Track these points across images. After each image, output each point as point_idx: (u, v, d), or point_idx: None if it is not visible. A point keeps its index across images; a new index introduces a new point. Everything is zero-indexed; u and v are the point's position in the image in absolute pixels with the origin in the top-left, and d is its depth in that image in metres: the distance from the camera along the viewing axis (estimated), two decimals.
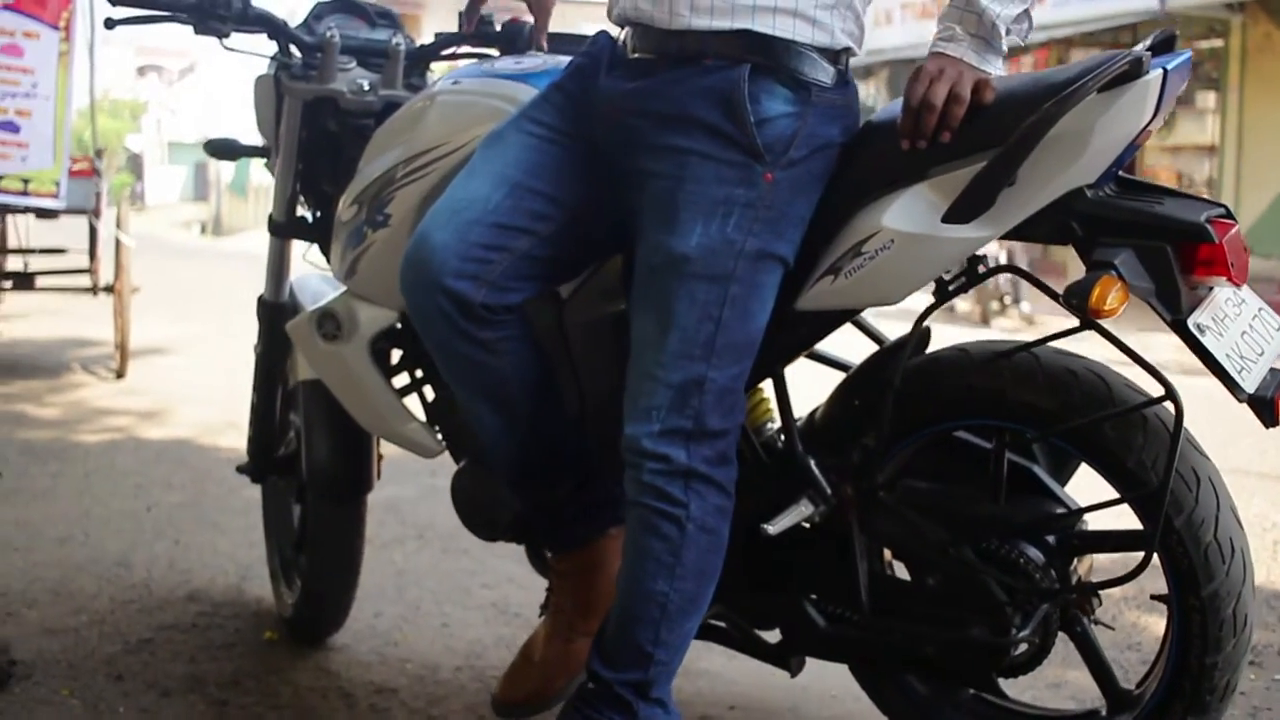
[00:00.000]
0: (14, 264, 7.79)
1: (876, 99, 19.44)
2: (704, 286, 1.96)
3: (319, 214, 2.88)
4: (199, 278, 15.07)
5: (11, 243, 7.80)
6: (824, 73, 2.00)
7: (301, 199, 2.89)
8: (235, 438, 5.31)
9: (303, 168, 2.82)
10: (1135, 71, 1.87)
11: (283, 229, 2.90)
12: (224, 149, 2.97)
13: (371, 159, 2.53)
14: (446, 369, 2.20)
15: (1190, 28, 16.35)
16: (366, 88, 2.68)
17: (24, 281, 7.70)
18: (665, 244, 1.98)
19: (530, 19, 2.67)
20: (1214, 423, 3.76)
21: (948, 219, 1.94)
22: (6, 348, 8.45)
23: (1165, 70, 1.89)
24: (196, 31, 2.58)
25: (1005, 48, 2.00)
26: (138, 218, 49.30)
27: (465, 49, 2.81)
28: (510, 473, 2.30)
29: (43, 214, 7.21)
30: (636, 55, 2.07)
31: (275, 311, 2.95)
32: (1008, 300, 13.39)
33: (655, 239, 2.00)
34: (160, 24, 2.62)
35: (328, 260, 2.78)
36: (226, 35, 2.60)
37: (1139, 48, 1.96)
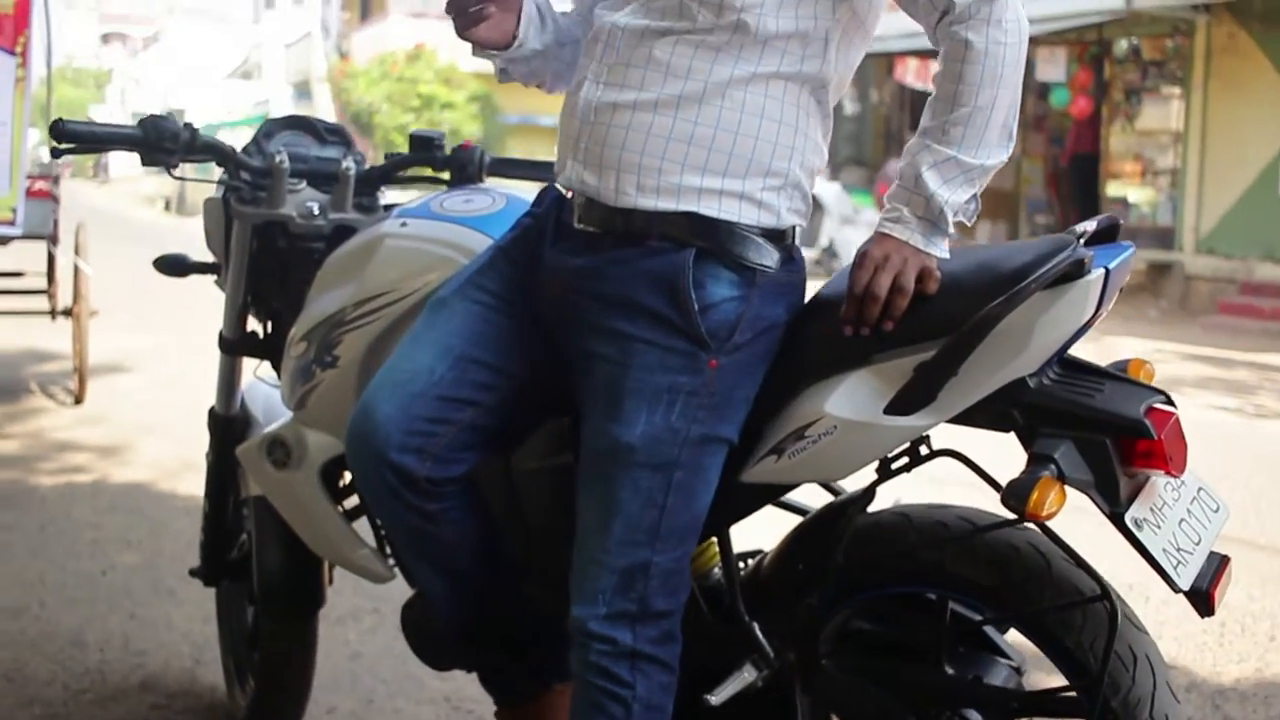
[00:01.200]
0: None
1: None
2: (648, 475, 1.97)
3: (269, 329, 2.87)
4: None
5: None
6: (769, 256, 2.01)
7: (252, 312, 2.88)
8: (192, 482, 5.30)
9: (252, 286, 2.81)
10: (1078, 272, 1.88)
11: (233, 346, 2.89)
12: (173, 265, 2.96)
13: (320, 293, 2.53)
14: (392, 536, 2.21)
15: (1156, 26, 16.43)
16: (316, 211, 2.68)
17: None
18: (609, 431, 1.98)
19: (480, 146, 2.68)
20: None
21: (890, 410, 1.96)
22: None
23: (1107, 269, 1.91)
24: (144, 163, 2.56)
25: (951, 229, 2.01)
26: (100, 190, 49.01)
27: (414, 172, 2.80)
28: (456, 632, 2.31)
29: None
30: (582, 226, 2.07)
31: (226, 425, 2.95)
32: None
33: (599, 424, 2.00)
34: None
35: (278, 375, 2.78)
36: (175, 165, 2.59)
37: (1081, 229, 1.98)
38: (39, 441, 6.47)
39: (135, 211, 37.91)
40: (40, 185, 7.31)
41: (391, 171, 2.77)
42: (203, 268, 2.97)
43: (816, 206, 17.05)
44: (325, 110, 30.90)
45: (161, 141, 2.53)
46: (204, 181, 2.82)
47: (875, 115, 21.03)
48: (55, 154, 2.57)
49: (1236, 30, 15.41)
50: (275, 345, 2.80)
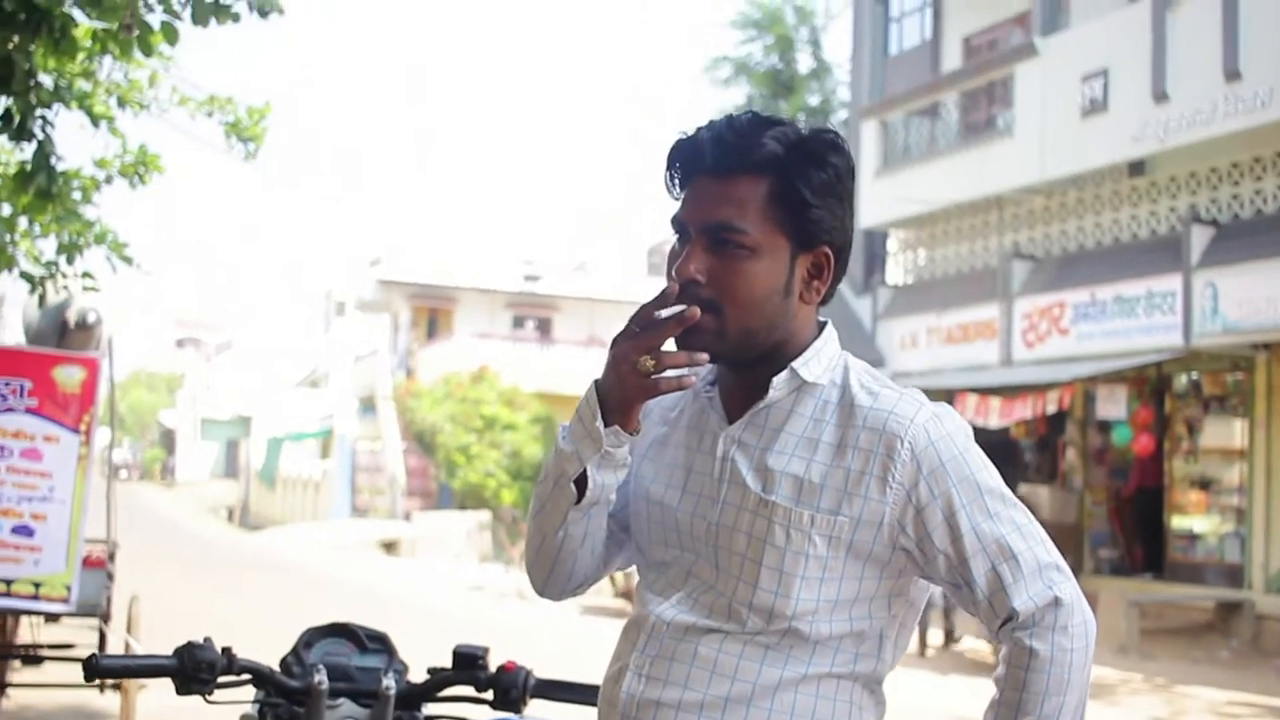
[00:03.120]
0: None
1: None
2: None
3: None
4: (220, 601, 14.91)
5: (24, 638, 7.76)
6: None
7: None
8: None
9: None
10: None
11: None
12: None
13: None
14: None
15: (1215, 363, 16.45)
16: None
17: (32, 660, 7.67)
18: None
19: (527, 667, 2.60)
20: None
21: None
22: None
23: None
24: (179, 692, 2.50)
25: None
26: (166, 495, 49.60)
27: (456, 692, 2.72)
28: None
29: (51, 616, 7.16)
30: None
31: None
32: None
33: None
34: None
35: None
36: (211, 691, 2.52)
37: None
38: None
39: (200, 521, 38.18)
40: (96, 554, 7.33)
41: (433, 690, 2.69)
42: None
43: None
44: (390, 427, 31.30)
45: (198, 671, 2.48)
46: (238, 703, 2.74)
47: None
48: (90, 676, 2.50)
49: None
50: None
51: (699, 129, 2.01)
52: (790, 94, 27.19)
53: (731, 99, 28.09)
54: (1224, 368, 16.55)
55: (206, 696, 2.54)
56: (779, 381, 2.00)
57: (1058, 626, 1.89)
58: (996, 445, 19.37)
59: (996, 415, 17.23)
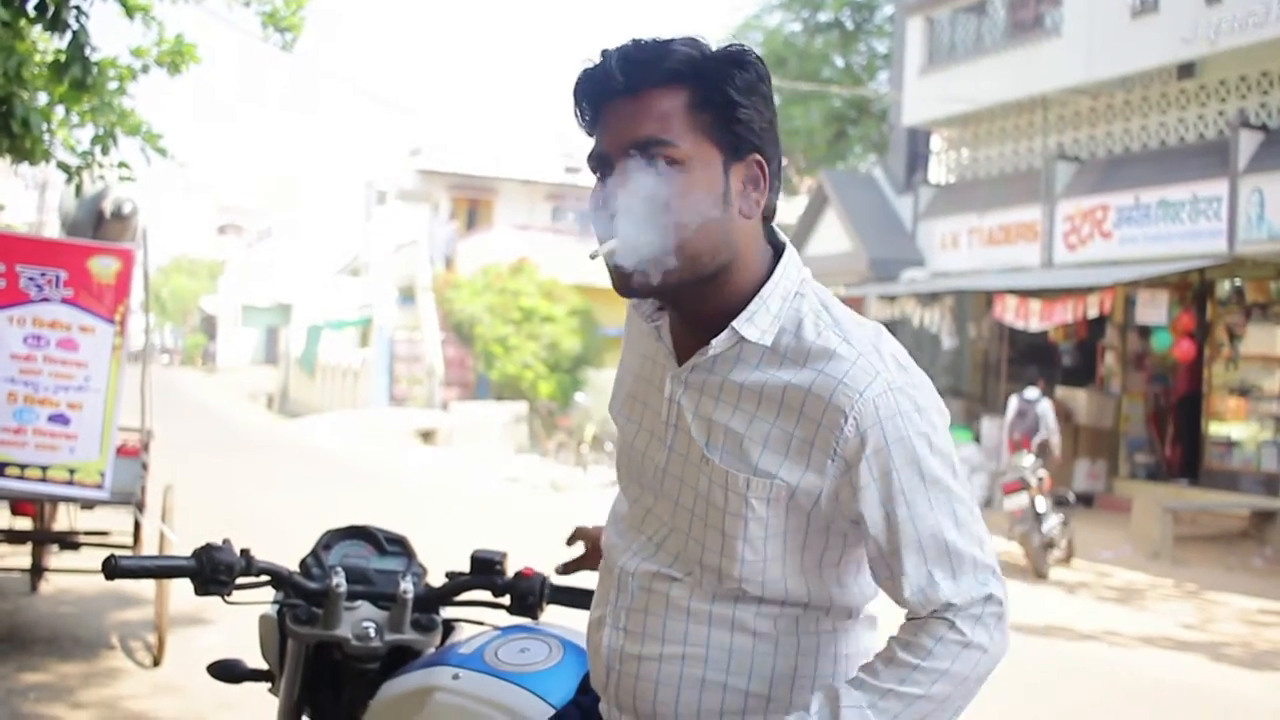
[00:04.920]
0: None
1: (940, 325, 19.34)
2: None
3: None
4: (254, 491, 15.09)
5: (61, 525, 7.88)
6: None
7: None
8: None
9: (306, 698, 2.74)
10: None
11: None
12: (227, 671, 2.89)
13: None
14: None
15: (1260, 270, 16.29)
16: (372, 633, 2.61)
17: (69, 545, 7.80)
18: None
19: (544, 573, 2.62)
20: None
21: None
22: (50, 606, 8.48)
23: None
24: (197, 592, 2.52)
25: None
26: (206, 381, 49.99)
27: (472, 596, 2.73)
28: None
29: (87, 504, 7.25)
30: None
31: None
32: (1059, 552, 13.12)
33: None
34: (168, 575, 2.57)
35: None
36: (229, 593, 2.54)
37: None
38: (114, 713, 6.41)
39: (239, 408, 38.54)
40: (130, 443, 7.40)
41: (450, 594, 2.71)
42: (257, 675, 2.90)
43: None
44: (429, 317, 31.39)
45: (216, 573, 2.50)
46: (254, 604, 2.76)
47: (973, 349, 20.93)
48: (109, 575, 2.52)
49: None
50: None
51: (603, 53, 1.87)
52: None
53: None
54: (1268, 275, 16.39)
55: (225, 597, 2.57)
56: (718, 342, 1.89)
57: (985, 618, 1.80)
58: (1035, 348, 19.31)
59: (1036, 318, 17.14)
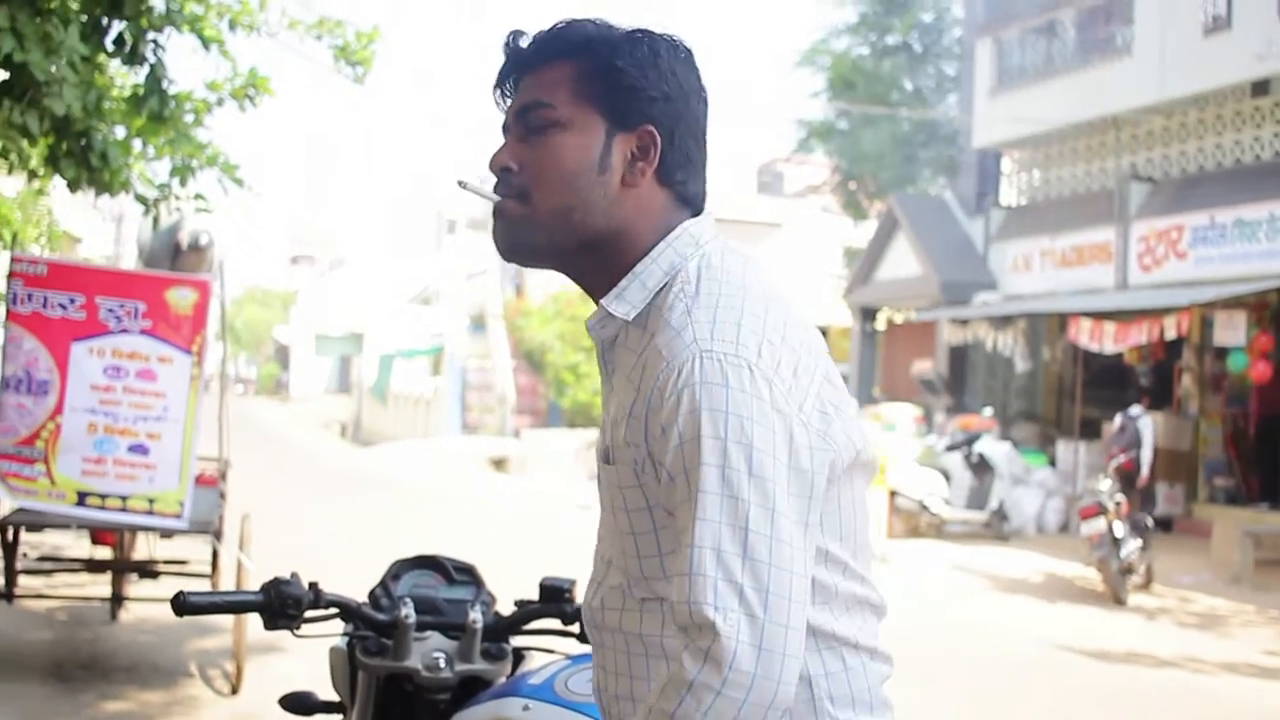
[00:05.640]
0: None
1: (1014, 349, 19.18)
2: None
3: None
4: (329, 519, 15.21)
5: (140, 554, 8.01)
6: None
7: None
8: None
9: None
10: None
11: None
12: (299, 703, 2.92)
13: None
14: None
15: None
16: (442, 664, 2.63)
17: (149, 574, 7.92)
18: None
19: None
20: None
21: None
22: (130, 635, 8.59)
23: None
24: (267, 627, 2.55)
25: None
26: (280, 410, 50.38)
27: (542, 625, 2.75)
28: None
29: (166, 533, 7.36)
30: None
31: None
32: (1138, 578, 12.94)
33: None
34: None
35: None
36: (298, 627, 2.57)
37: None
38: None
39: (313, 437, 38.86)
40: (208, 473, 7.50)
41: (519, 623, 2.72)
42: (329, 707, 2.92)
43: (985, 467, 16.83)
44: (500, 345, 31.55)
45: (284, 607, 2.52)
46: (328, 636, 2.79)
47: (1047, 372, 20.74)
48: (179, 612, 2.55)
49: None
50: None
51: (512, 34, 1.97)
52: (904, 10, 26.69)
53: (843, 17, 27.65)
54: None
55: (294, 631, 2.59)
56: (593, 323, 1.91)
57: (710, 656, 1.61)
58: (1110, 371, 19.10)
59: (1111, 340, 16.94)
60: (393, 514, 17.16)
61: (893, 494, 15.87)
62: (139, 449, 6.97)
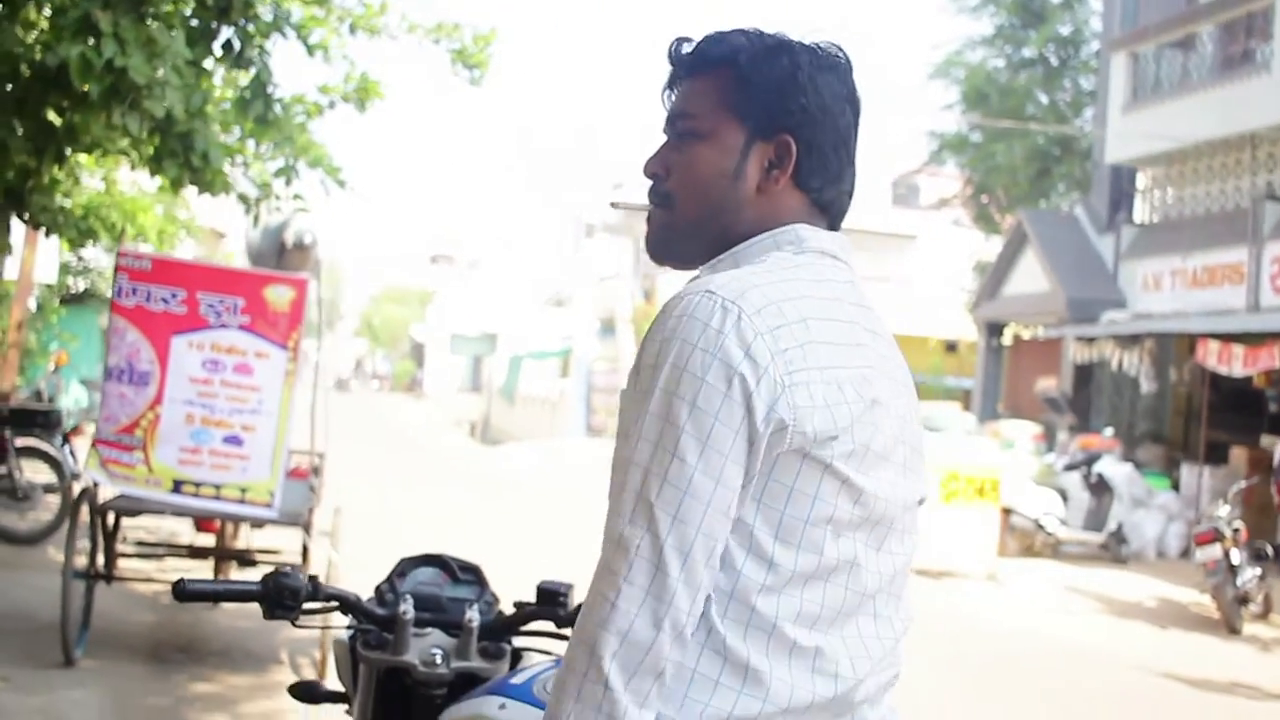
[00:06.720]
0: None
1: (1140, 368, 18.79)
2: None
3: None
4: (443, 516, 15.41)
5: (240, 543, 8.24)
6: None
7: None
8: None
9: None
10: None
11: None
12: (306, 692, 3.01)
13: None
14: None
15: None
16: (439, 660, 2.69)
17: (247, 563, 8.13)
18: None
19: None
20: None
21: None
22: (229, 620, 8.81)
23: None
24: (266, 616, 2.63)
25: None
26: (414, 406, 50.97)
27: (539, 626, 2.79)
28: None
29: (256, 523, 7.54)
30: None
31: None
32: (1255, 607, 12.62)
33: None
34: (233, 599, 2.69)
35: None
36: (296, 618, 2.64)
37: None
38: None
39: (443, 434, 39.38)
40: (301, 466, 7.68)
41: (515, 624, 2.77)
42: (335, 697, 3.00)
43: (1104, 488, 16.49)
44: (627, 349, 31.72)
45: (281, 598, 2.60)
46: (330, 628, 2.87)
47: (1174, 394, 20.31)
48: (180, 597, 2.64)
49: None
50: None
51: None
52: (1041, 23, 26.31)
53: (979, 29, 27.36)
54: None
55: (293, 622, 2.67)
56: None
57: (609, 567, 1.73)
58: (1239, 394, 18.64)
59: (1240, 363, 16.54)
60: (510, 512, 17.35)
61: (1006, 512, 15.65)
62: (233, 440, 7.17)
